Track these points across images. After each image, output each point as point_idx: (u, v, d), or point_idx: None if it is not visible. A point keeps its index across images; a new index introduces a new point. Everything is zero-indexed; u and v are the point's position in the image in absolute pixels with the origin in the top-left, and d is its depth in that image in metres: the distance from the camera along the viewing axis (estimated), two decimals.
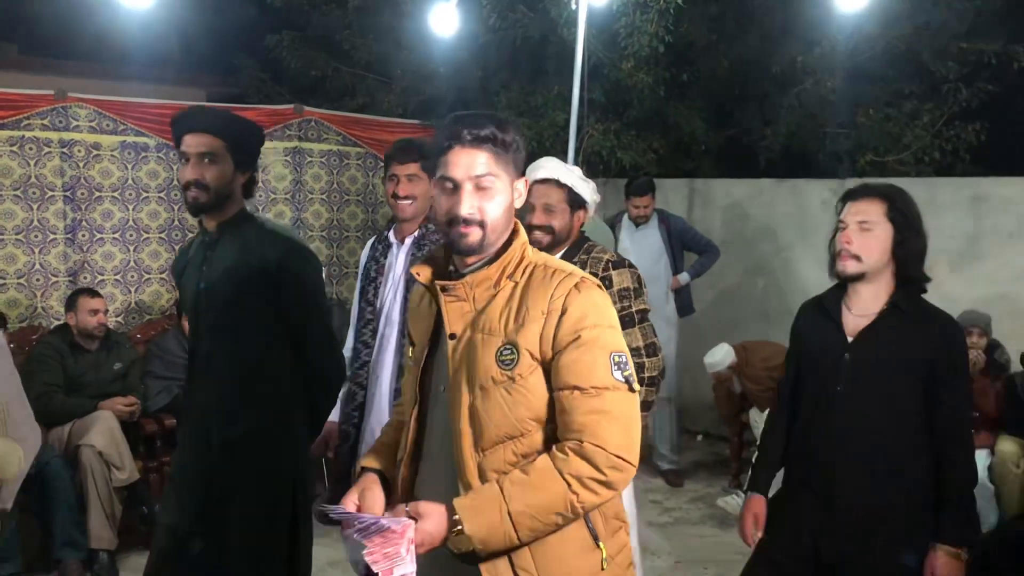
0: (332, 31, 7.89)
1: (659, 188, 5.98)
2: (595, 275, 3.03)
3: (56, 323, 5.20)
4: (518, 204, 1.84)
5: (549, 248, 3.07)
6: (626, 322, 3.00)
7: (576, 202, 3.09)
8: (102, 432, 4.12)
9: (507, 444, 1.72)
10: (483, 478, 1.72)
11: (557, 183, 3.05)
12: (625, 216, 5.80)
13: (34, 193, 5.60)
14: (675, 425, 5.80)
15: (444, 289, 1.80)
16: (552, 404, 1.73)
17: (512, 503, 1.64)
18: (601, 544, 1.78)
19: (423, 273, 1.86)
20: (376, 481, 1.89)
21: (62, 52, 9.28)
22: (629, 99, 6.74)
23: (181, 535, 2.70)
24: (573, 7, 5.33)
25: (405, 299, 3.03)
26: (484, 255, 1.81)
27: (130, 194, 5.97)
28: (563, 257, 3.10)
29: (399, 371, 3.05)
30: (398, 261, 3.15)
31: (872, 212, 2.42)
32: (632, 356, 3.03)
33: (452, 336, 1.78)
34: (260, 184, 6.37)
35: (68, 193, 5.72)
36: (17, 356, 4.79)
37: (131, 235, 5.98)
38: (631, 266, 3.18)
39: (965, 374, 2.47)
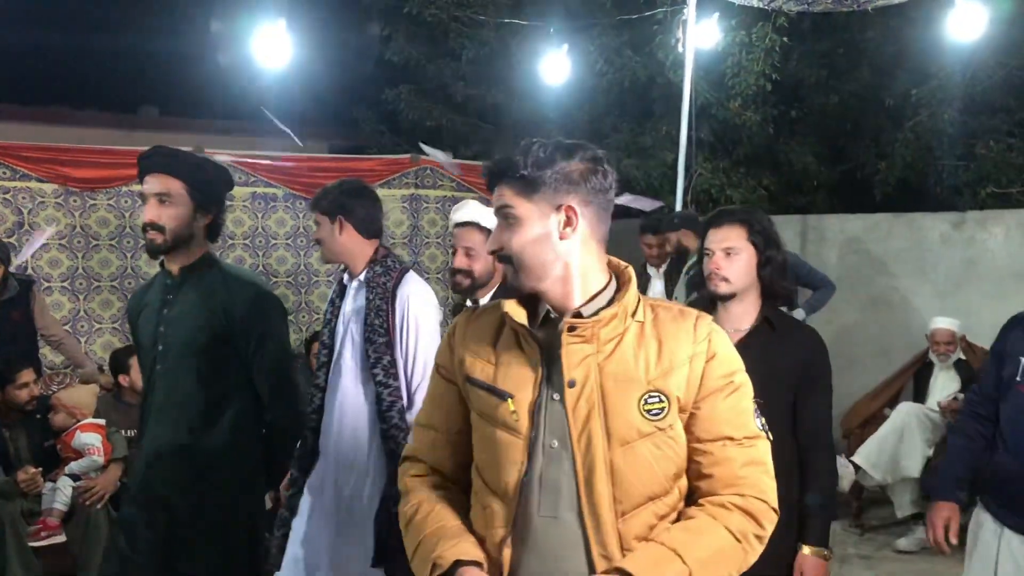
0: (447, 83, 8.23)
1: None
2: None
3: None
4: (568, 233, 1.58)
5: (470, 292, 3.07)
6: None
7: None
8: None
9: (648, 506, 1.54)
10: (624, 547, 1.51)
11: (478, 226, 3.00)
12: None
13: None
14: None
15: (571, 329, 1.56)
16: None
17: (688, 555, 1.47)
18: None
19: (517, 314, 1.61)
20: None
21: (199, 112, 9.97)
22: (738, 137, 6.78)
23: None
24: (680, 50, 5.46)
25: (353, 339, 2.98)
26: (544, 294, 1.61)
27: (260, 241, 6.36)
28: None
29: (348, 412, 2.94)
30: (346, 301, 3.05)
31: (734, 237, 2.57)
32: None
33: (572, 384, 1.54)
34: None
35: None
36: None
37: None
38: None
39: (827, 383, 2.58)
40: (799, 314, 5.70)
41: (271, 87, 7.19)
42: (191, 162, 2.65)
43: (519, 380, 1.59)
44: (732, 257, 2.57)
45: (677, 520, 1.56)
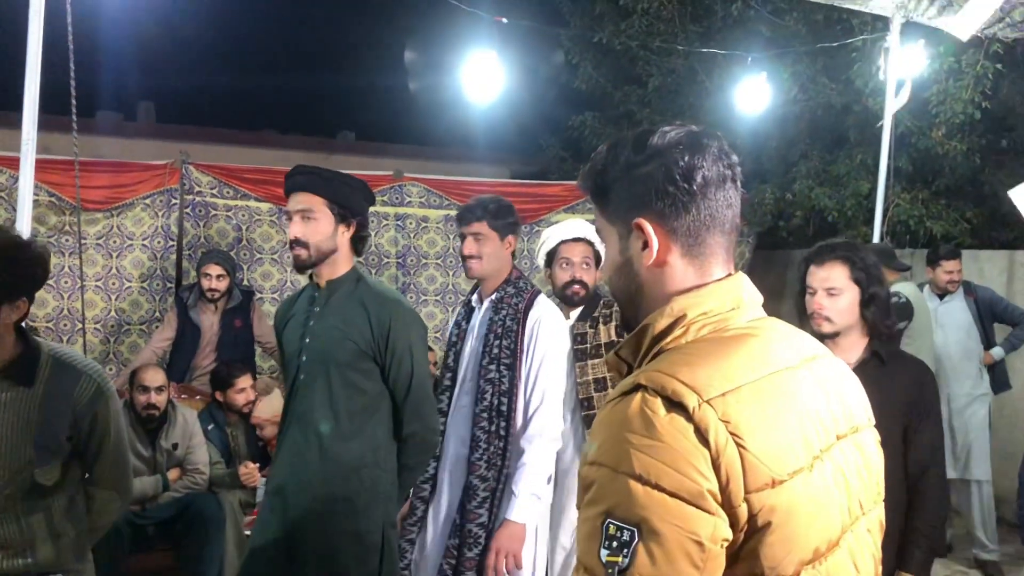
0: (632, 111, 8.31)
1: (974, 260, 5.66)
2: (622, 333, 2.99)
3: None
4: (648, 258, 1.21)
5: (583, 303, 3.34)
6: None
7: (599, 259, 3.28)
8: None
9: None
10: None
11: (587, 242, 3.31)
12: (927, 288, 5.52)
13: (373, 260, 6.41)
14: (991, 511, 5.36)
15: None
16: None
17: None
18: None
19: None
20: None
21: (393, 137, 10.53)
22: (939, 167, 6.48)
23: None
24: (881, 77, 5.30)
25: (483, 369, 2.92)
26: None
27: (451, 261, 6.64)
28: (580, 316, 3.34)
29: (480, 449, 2.88)
30: (476, 325, 3.01)
31: (836, 277, 2.55)
32: None
33: None
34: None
35: (400, 260, 6.49)
36: None
37: (450, 298, 6.64)
38: None
39: (936, 414, 2.61)
40: (998, 352, 5.39)
41: (470, 116, 7.50)
42: (331, 179, 2.71)
43: None
44: (835, 297, 2.57)
45: None
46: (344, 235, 2.68)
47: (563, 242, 3.33)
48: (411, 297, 6.44)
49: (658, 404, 1.04)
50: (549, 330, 2.94)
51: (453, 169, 7.89)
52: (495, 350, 2.91)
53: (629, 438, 1.03)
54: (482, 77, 4.21)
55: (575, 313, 3.35)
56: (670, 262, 1.20)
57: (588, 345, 3.25)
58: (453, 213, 6.65)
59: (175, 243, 5.95)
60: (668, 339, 1.16)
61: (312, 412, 2.65)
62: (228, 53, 11.69)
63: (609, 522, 1.01)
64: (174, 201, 5.94)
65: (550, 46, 9.44)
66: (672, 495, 1.00)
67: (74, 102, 3.52)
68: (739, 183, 1.24)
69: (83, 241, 5.49)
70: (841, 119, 6.84)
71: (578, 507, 1.13)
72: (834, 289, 2.56)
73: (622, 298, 1.27)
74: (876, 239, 5.36)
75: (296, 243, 2.63)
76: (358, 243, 2.75)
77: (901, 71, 5.21)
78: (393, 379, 2.66)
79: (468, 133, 9.40)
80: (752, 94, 5.78)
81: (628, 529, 1.00)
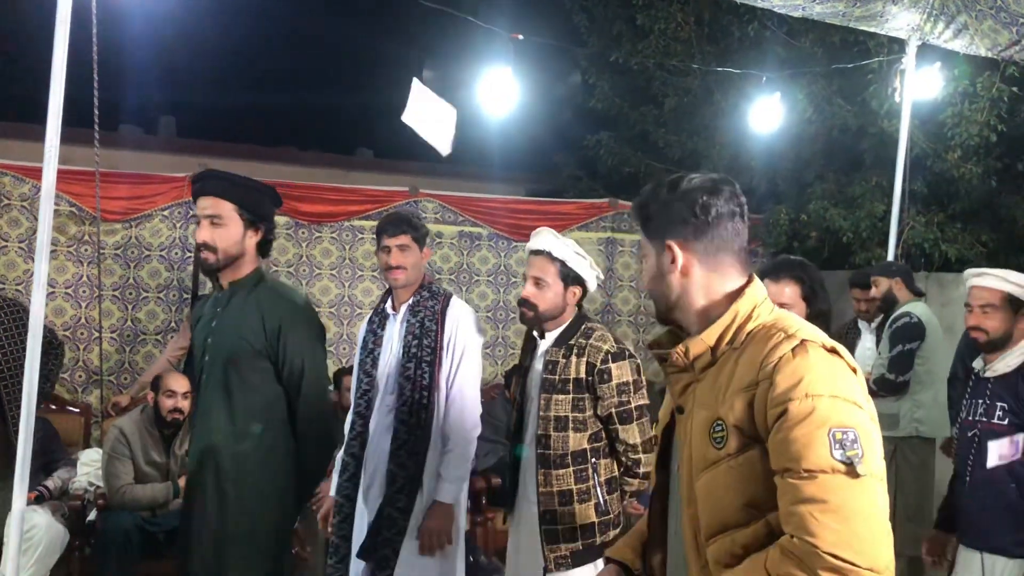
0: (648, 130, 8.33)
1: None
2: (592, 365, 2.94)
3: None
4: (674, 269, 1.64)
5: (535, 324, 3.08)
6: (624, 417, 2.96)
7: (570, 277, 3.02)
8: None
9: (728, 535, 1.53)
10: (708, 572, 1.57)
11: (549, 256, 2.99)
12: None
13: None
14: None
15: (662, 359, 1.68)
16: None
17: None
18: None
19: (655, 343, 1.77)
20: (614, 572, 1.89)
21: (410, 154, 10.59)
22: (955, 190, 6.47)
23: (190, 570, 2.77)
24: (897, 100, 5.32)
25: (402, 368, 3.13)
26: (681, 324, 1.69)
27: (464, 277, 6.68)
28: (557, 340, 3.05)
29: (399, 440, 3.10)
30: (395, 330, 3.20)
31: (789, 294, 2.69)
32: (629, 451, 2.97)
33: (679, 410, 1.66)
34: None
35: None
36: None
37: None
38: (631, 356, 3.04)
39: None
40: None
41: (485, 134, 7.55)
42: (241, 184, 2.79)
43: (667, 405, 1.78)
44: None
45: None
46: (251, 239, 2.76)
47: (531, 253, 3.10)
48: None
49: (823, 351, 1.51)
50: (467, 330, 3.21)
51: (468, 186, 7.94)
52: (414, 349, 3.14)
53: (827, 373, 1.47)
54: (498, 94, 4.26)
55: (552, 335, 3.09)
56: (692, 274, 1.63)
57: (557, 377, 3.00)
58: (467, 229, 6.73)
59: (192, 254, 6.01)
60: (750, 320, 1.59)
61: (210, 411, 2.74)
62: (248, 70, 11.83)
63: (834, 431, 1.42)
64: (192, 213, 6.00)
65: (566, 64, 9.50)
66: (860, 407, 1.47)
67: (96, 112, 3.59)
68: (746, 218, 1.67)
69: (101, 251, 5.56)
70: (856, 140, 6.85)
71: (737, 451, 1.51)
72: (786, 307, 2.60)
73: (660, 301, 1.69)
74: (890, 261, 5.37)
75: (204, 247, 2.72)
76: (264, 246, 2.83)
77: (916, 93, 5.23)
78: (287, 379, 2.73)
79: (483, 151, 9.44)
80: (766, 114, 5.80)
81: (851, 431, 1.43)
